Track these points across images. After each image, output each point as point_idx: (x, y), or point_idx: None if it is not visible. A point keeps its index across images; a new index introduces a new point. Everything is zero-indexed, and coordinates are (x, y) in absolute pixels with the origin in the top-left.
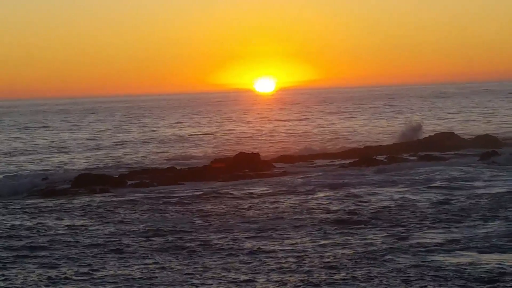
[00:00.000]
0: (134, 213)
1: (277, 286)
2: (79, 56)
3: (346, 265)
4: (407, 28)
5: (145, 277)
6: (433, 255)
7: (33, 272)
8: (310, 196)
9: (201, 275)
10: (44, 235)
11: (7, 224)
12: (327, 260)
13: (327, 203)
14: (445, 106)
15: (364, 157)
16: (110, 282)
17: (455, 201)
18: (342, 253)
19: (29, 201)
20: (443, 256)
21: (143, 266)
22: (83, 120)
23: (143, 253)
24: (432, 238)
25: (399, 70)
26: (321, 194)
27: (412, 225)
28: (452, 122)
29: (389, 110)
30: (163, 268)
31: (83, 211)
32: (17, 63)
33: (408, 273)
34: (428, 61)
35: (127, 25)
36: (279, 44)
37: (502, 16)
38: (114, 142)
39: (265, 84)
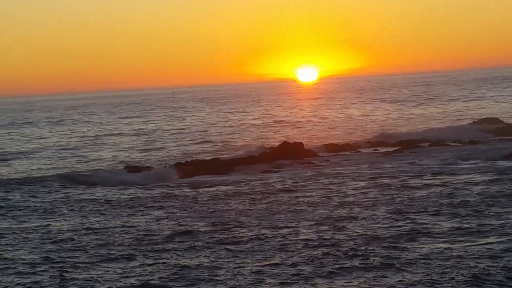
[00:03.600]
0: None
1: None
2: (132, 50)
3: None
4: (454, 15)
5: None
6: None
7: None
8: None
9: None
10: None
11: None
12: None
13: (346, 194)
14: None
15: (408, 144)
16: None
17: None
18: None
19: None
20: None
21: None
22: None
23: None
24: None
25: (442, 57)
26: (350, 185)
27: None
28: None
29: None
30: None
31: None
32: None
33: None
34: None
35: (161, 21)
36: (320, 32)
37: None
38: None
39: (307, 73)
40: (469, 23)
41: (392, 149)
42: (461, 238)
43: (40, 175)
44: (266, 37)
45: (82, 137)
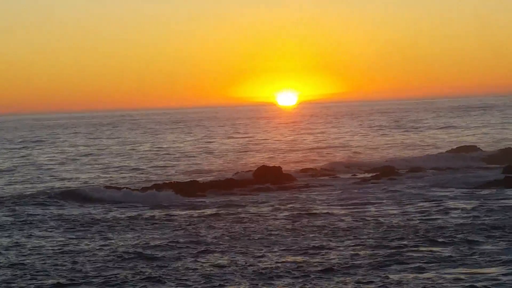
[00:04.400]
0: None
1: None
2: (105, 70)
3: None
4: (431, 42)
5: None
6: None
7: None
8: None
9: None
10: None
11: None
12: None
13: (326, 220)
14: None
15: (386, 171)
16: None
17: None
18: None
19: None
20: None
21: None
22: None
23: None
24: None
25: (419, 84)
26: (331, 210)
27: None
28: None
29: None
30: None
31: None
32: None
33: None
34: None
35: (146, 41)
36: (300, 57)
37: None
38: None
39: (287, 97)
40: (448, 50)
41: (370, 175)
42: (435, 266)
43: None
44: (249, 61)
45: (56, 155)
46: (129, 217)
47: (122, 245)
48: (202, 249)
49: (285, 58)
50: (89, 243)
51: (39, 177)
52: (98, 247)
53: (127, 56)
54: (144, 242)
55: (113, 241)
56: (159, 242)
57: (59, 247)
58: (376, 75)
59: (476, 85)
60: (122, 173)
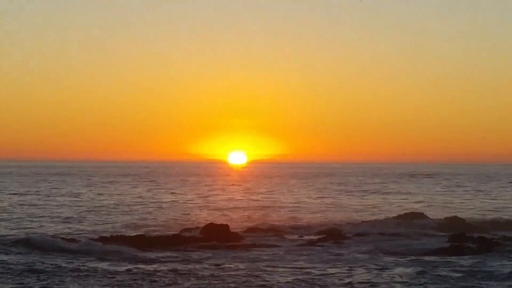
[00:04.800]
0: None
1: None
2: (60, 120)
3: None
4: (382, 105)
5: None
6: None
7: None
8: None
9: None
10: None
11: None
12: None
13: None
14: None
15: (332, 233)
16: None
17: None
18: None
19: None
20: None
21: None
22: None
23: None
24: None
25: (362, 148)
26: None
27: None
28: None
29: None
30: None
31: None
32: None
33: None
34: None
35: (104, 92)
36: (250, 119)
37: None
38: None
39: (237, 156)
40: (396, 115)
41: (316, 237)
42: None
43: None
44: (206, 119)
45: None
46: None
47: None
48: None
49: (236, 118)
50: None
51: None
52: None
53: (82, 104)
54: None
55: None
56: None
57: None
58: (320, 139)
59: (421, 152)
60: (61, 223)
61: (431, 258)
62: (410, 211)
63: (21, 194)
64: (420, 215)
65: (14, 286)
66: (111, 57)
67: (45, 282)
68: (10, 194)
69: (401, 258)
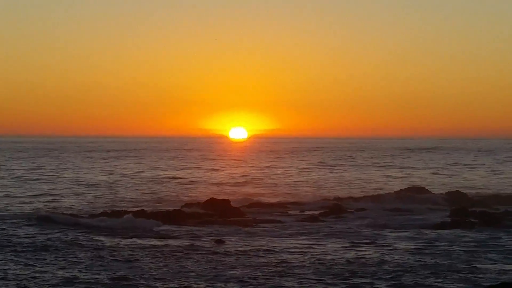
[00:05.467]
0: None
1: None
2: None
3: None
4: (374, 82)
5: None
6: None
7: None
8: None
9: None
10: None
11: None
12: None
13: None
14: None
15: (334, 208)
16: None
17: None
18: None
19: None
20: None
21: None
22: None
23: None
24: None
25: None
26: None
27: None
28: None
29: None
30: None
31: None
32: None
33: None
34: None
35: (119, 70)
36: (249, 97)
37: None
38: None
39: (238, 131)
40: (388, 89)
41: (318, 212)
42: None
43: None
44: (214, 97)
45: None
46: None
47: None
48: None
49: (241, 96)
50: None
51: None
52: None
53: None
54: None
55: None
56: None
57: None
58: (313, 114)
59: (417, 126)
60: (63, 199)
61: (433, 232)
62: (411, 185)
63: (57, 169)
64: (421, 190)
65: (59, 260)
66: (132, 40)
67: (53, 256)
68: (63, 169)
69: (403, 232)
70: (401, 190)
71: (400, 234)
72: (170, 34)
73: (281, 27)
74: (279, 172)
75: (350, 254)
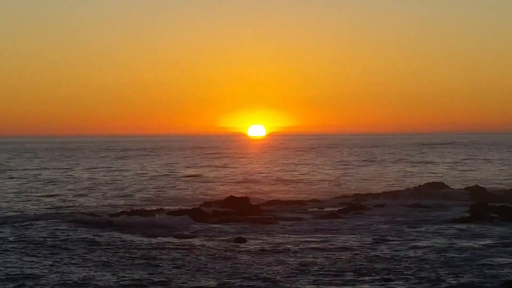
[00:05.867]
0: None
1: None
2: (97, 95)
3: None
4: (389, 79)
5: None
6: None
7: None
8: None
9: None
10: None
11: None
12: None
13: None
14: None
15: (353, 205)
16: None
17: None
18: None
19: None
20: None
21: None
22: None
23: None
24: None
25: (375, 120)
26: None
27: None
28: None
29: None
30: None
31: None
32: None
33: None
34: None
35: (141, 68)
36: (267, 95)
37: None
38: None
39: (257, 129)
40: (404, 86)
41: (337, 209)
42: None
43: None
44: (233, 96)
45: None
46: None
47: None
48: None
49: (259, 94)
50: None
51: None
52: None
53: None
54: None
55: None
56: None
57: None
58: (329, 110)
59: (433, 122)
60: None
61: (453, 227)
62: (430, 181)
63: (91, 169)
64: (441, 185)
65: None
66: (153, 42)
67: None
68: (84, 168)
69: (422, 228)
70: (420, 185)
71: (419, 230)
72: (189, 34)
73: (299, 24)
74: (297, 169)
75: (370, 251)
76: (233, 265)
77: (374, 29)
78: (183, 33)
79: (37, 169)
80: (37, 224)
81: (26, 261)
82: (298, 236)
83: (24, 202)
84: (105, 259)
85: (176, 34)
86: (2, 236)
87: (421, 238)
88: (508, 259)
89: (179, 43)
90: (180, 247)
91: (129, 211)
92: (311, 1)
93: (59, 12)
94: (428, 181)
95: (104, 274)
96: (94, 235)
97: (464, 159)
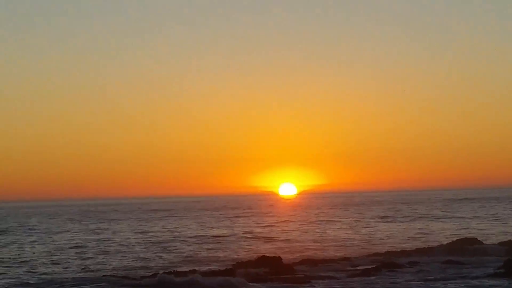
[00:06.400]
0: None
1: None
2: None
3: None
4: (405, 136)
5: None
6: None
7: None
8: None
9: None
10: None
11: None
12: None
13: None
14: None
15: (386, 262)
16: None
17: None
18: None
19: None
20: None
21: None
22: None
23: None
24: None
25: (399, 176)
26: None
27: None
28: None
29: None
30: None
31: None
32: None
33: None
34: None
35: (162, 129)
36: (297, 152)
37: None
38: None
39: (288, 187)
40: (431, 143)
41: (370, 266)
42: None
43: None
44: (263, 154)
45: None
46: None
47: None
48: None
49: (291, 150)
50: None
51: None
52: None
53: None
54: None
55: None
56: None
57: None
58: (348, 168)
59: (462, 177)
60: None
61: (486, 283)
62: (463, 236)
63: (141, 232)
64: (474, 241)
65: None
66: (175, 95)
67: None
68: (133, 231)
69: (456, 285)
70: (452, 241)
71: (453, 286)
72: (218, 94)
73: (326, 82)
74: (328, 227)
75: None
76: None
77: (402, 84)
78: (213, 94)
79: (67, 231)
80: None
81: None
82: None
83: (55, 265)
84: None
85: (205, 95)
86: None
87: None
88: None
89: (209, 104)
90: None
91: (161, 272)
92: (337, 58)
93: (89, 72)
94: (459, 237)
95: None
96: None
97: (494, 214)
